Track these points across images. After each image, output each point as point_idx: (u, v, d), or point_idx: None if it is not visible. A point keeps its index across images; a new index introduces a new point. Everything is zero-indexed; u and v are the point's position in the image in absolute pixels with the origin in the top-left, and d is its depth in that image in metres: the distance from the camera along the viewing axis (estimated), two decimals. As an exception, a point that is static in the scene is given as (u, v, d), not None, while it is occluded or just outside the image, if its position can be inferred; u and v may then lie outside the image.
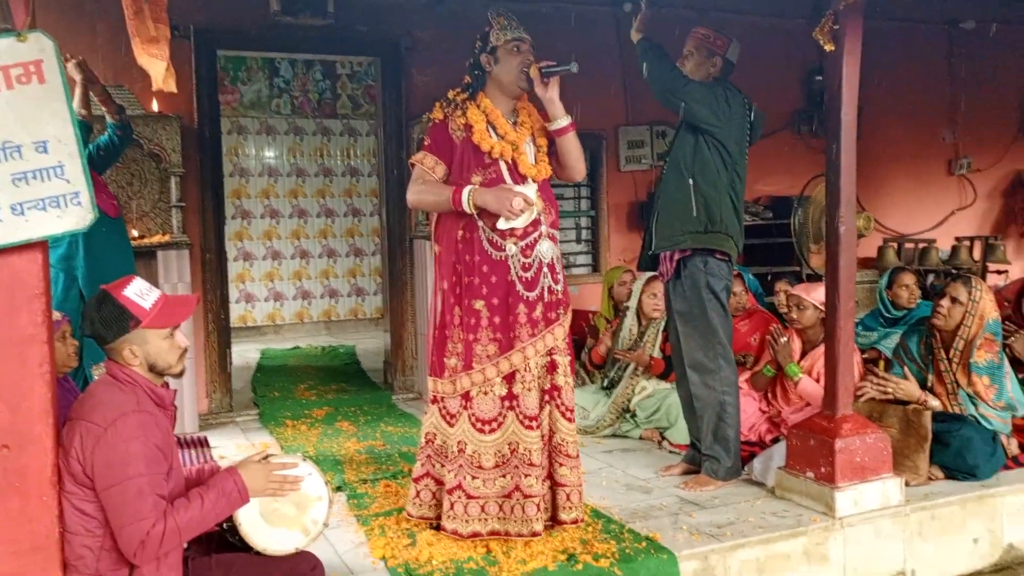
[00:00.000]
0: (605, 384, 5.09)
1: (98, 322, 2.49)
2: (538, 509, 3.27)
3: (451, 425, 3.33)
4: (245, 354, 8.20)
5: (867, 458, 3.56)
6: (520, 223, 3.24)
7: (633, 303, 5.15)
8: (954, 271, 7.25)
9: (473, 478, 3.25)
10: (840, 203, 3.60)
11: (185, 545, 2.55)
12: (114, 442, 2.35)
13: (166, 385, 2.61)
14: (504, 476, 3.27)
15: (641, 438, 4.79)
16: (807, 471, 3.63)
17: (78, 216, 2.39)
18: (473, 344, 3.26)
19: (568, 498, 3.35)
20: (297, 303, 10.07)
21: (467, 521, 3.25)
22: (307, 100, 9.96)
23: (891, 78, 7.31)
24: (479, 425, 3.27)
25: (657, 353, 4.96)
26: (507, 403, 3.27)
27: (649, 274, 5.09)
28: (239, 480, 2.51)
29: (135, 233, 5.17)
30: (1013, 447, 4.11)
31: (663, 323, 5.00)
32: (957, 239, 7.73)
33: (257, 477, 2.55)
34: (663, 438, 4.70)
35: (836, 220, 3.61)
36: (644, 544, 3.25)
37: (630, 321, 5.14)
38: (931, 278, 7.25)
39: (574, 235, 6.95)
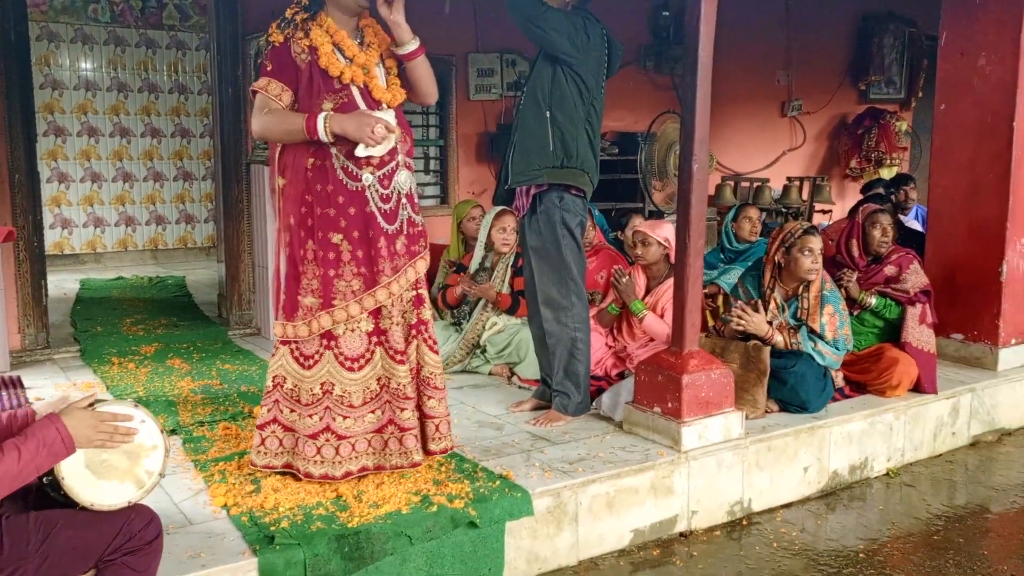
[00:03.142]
0: (454, 320, 5.01)
1: None
2: (416, 440, 3.20)
3: (307, 367, 3.13)
4: (62, 284, 7.58)
5: (712, 393, 3.66)
6: (379, 151, 3.05)
7: (482, 237, 5.06)
8: (784, 210, 7.62)
9: (344, 418, 3.11)
10: (694, 142, 3.60)
11: (-3, 504, 2.28)
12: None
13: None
14: (373, 412, 3.16)
15: (491, 374, 4.76)
16: (655, 406, 3.70)
17: None
18: (334, 280, 3.07)
19: (437, 429, 3.31)
20: (120, 230, 9.39)
21: (338, 463, 3.11)
22: (129, 8, 9.15)
23: (731, 19, 7.44)
24: (347, 364, 3.11)
25: (506, 288, 4.91)
26: (375, 339, 3.14)
27: (499, 208, 5.01)
28: (62, 428, 2.23)
29: (-73, 148, 4.58)
30: (839, 380, 4.35)
31: (512, 258, 4.95)
32: (788, 179, 8.09)
33: (83, 425, 2.28)
34: (513, 374, 4.69)
35: (690, 159, 3.62)
36: (498, 483, 3.21)
37: (479, 254, 5.06)
38: (764, 216, 7.57)
39: (422, 165, 6.76)
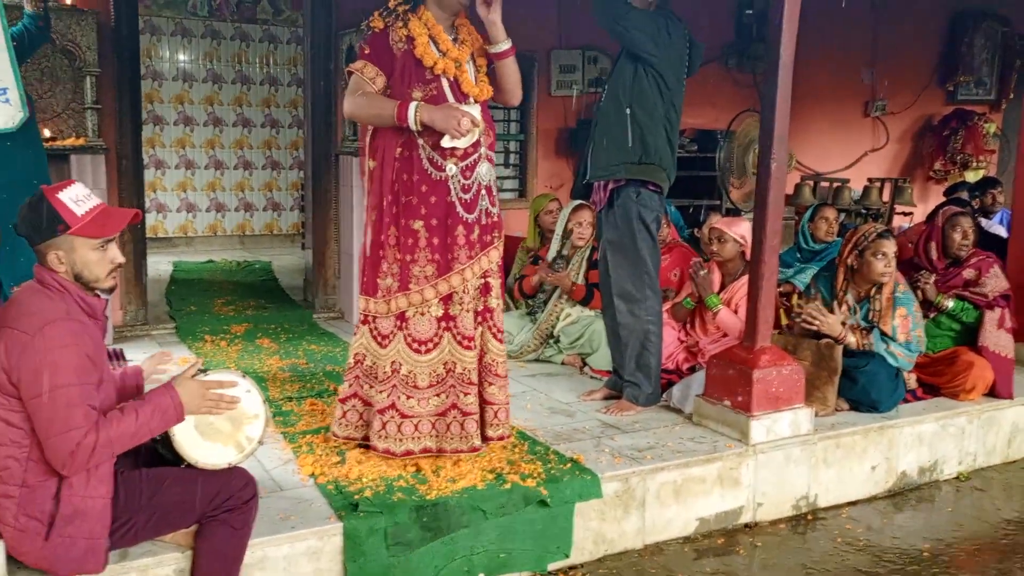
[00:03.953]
0: (530, 310, 5.15)
1: (27, 221, 2.39)
2: (477, 425, 3.35)
3: (383, 346, 3.31)
4: (156, 266, 7.97)
5: (782, 389, 3.73)
6: (464, 143, 3.20)
7: (559, 230, 5.18)
8: (864, 211, 7.55)
9: (408, 397, 3.28)
10: (773, 140, 3.66)
11: (115, 459, 2.51)
12: (43, 350, 2.28)
13: (97, 295, 2.52)
14: (438, 395, 3.31)
15: (563, 363, 4.89)
16: (724, 399, 3.78)
17: (7, 114, 2.27)
18: (410, 265, 3.24)
19: (496, 415, 3.44)
20: (211, 215, 9.81)
21: (400, 440, 3.28)
22: (225, 2, 9.53)
23: (816, 16, 7.39)
24: (415, 345, 3.27)
25: (581, 280, 5.03)
26: (443, 324, 3.29)
27: (576, 202, 5.14)
28: (175, 396, 2.45)
29: (47, 133, 4.92)
30: (912, 382, 4.35)
31: (588, 251, 5.07)
32: (869, 180, 8.00)
33: (193, 394, 2.50)
34: (585, 364, 4.81)
35: (768, 157, 3.68)
36: (569, 465, 3.35)
37: (556, 246, 5.18)
38: (843, 216, 7.51)
39: (502, 159, 6.92)
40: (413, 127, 3.15)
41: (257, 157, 9.98)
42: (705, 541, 3.51)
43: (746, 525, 3.65)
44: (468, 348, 3.30)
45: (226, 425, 2.64)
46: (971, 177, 8.16)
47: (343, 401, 3.44)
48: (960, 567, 3.39)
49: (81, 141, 4.98)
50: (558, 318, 4.95)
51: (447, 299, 3.28)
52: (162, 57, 9.27)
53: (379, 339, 3.33)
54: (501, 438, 3.45)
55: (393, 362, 3.29)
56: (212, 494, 2.55)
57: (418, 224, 3.23)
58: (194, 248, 9.55)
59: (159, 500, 2.53)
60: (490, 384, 3.41)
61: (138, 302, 5.53)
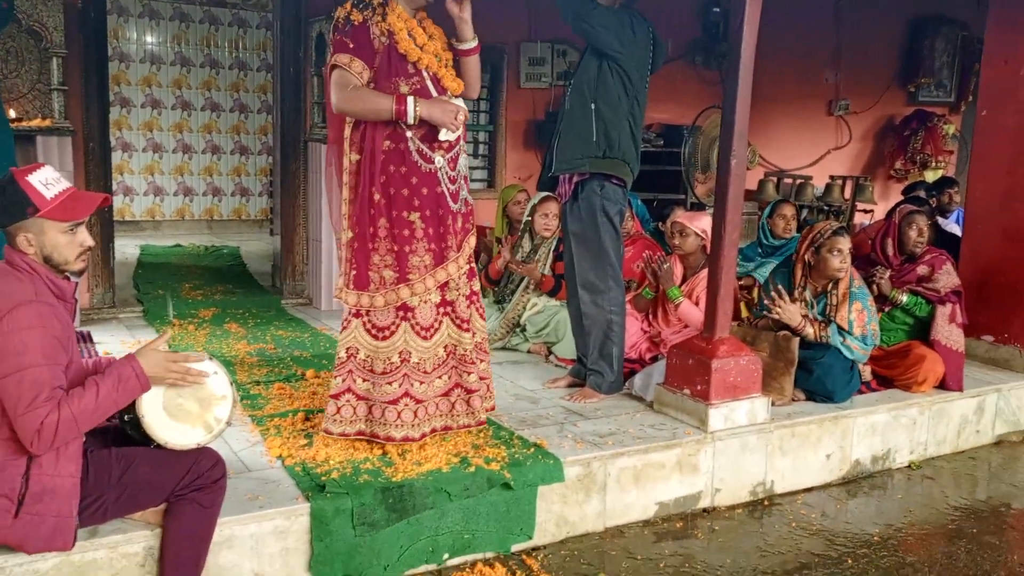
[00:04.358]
0: (497, 299, 5.22)
1: None
2: (481, 400, 3.49)
3: (381, 339, 3.30)
4: (123, 249, 7.93)
5: (739, 378, 3.83)
6: (455, 136, 3.27)
7: (526, 221, 5.25)
8: (826, 208, 7.71)
9: (420, 383, 3.33)
10: (733, 137, 3.76)
11: (83, 438, 2.54)
12: (10, 331, 2.30)
13: (67, 277, 2.54)
14: (440, 377, 3.40)
15: (529, 352, 4.97)
16: (684, 388, 3.88)
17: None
18: (410, 256, 3.28)
19: (488, 388, 3.60)
20: (178, 199, 9.75)
21: (416, 425, 3.33)
22: (194, -16, 9.46)
23: (781, 16, 7.52)
24: (422, 333, 3.33)
25: (548, 271, 5.11)
26: (442, 309, 3.37)
27: (543, 194, 5.21)
28: (137, 366, 2.46)
29: (12, 114, 4.89)
30: (867, 374, 4.49)
31: (554, 242, 5.15)
32: (831, 177, 8.16)
33: (157, 364, 2.51)
34: (550, 352, 4.90)
35: (729, 153, 3.78)
36: (532, 450, 3.43)
37: (523, 239, 5.26)
38: (805, 213, 7.67)
39: (471, 149, 6.97)
40: (412, 121, 3.18)
41: (226, 142, 9.94)
42: (664, 525, 3.61)
43: (704, 510, 3.75)
44: (466, 330, 3.42)
45: (194, 406, 2.67)
46: (930, 177, 8.36)
47: (336, 397, 3.36)
48: (908, 550, 3.52)
49: (47, 122, 4.95)
50: (525, 307, 5.03)
51: (443, 286, 3.37)
52: (129, 39, 9.19)
53: (375, 332, 3.31)
54: (491, 409, 3.63)
55: (401, 352, 3.30)
56: (181, 473, 2.59)
57: (414, 216, 3.27)
58: (161, 232, 9.50)
59: (129, 479, 2.56)
60: (481, 361, 3.54)
61: (105, 285, 5.52)
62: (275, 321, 5.52)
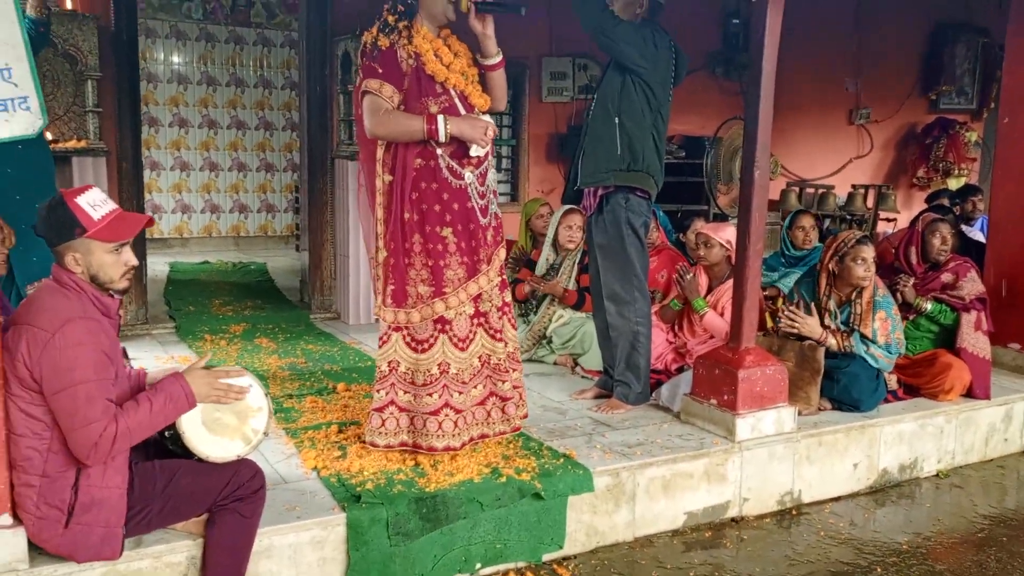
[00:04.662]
0: (523, 311, 5.28)
1: (46, 224, 2.50)
2: (516, 407, 3.57)
3: (421, 351, 3.38)
4: (153, 266, 8.01)
5: (766, 388, 3.87)
6: (484, 152, 3.35)
7: (550, 235, 5.32)
8: (848, 217, 7.72)
9: (459, 393, 3.41)
10: (756, 148, 3.80)
11: (128, 451, 2.62)
12: (62, 347, 2.39)
13: (111, 295, 2.63)
14: (476, 387, 3.48)
15: (556, 363, 5.02)
16: (711, 398, 3.92)
17: (27, 121, 2.38)
18: (444, 270, 3.35)
19: (521, 396, 3.66)
20: (205, 216, 9.90)
21: (457, 435, 3.41)
22: (219, 5, 9.63)
23: (801, 25, 7.56)
24: (460, 344, 3.40)
25: (572, 284, 5.16)
26: (475, 320, 3.45)
27: (566, 207, 5.27)
28: (186, 385, 2.58)
29: (48, 136, 5.01)
30: (893, 383, 4.50)
31: (579, 254, 5.20)
32: (853, 186, 8.17)
33: (202, 383, 2.62)
34: (576, 364, 4.95)
35: (752, 164, 3.82)
36: (561, 460, 3.48)
37: (547, 252, 5.32)
38: (827, 222, 7.68)
39: (494, 163, 7.03)
40: (444, 139, 3.27)
41: (251, 159, 10.08)
42: (693, 534, 3.64)
43: (732, 519, 3.78)
44: (499, 340, 3.51)
45: (232, 419, 2.75)
46: (953, 184, 8.34)
47: (380, 410, 3.43)
48: (938, 559, 3.53)
49: (83, 143, 5.08)
50: (551, 319, 5.09)
51: (477, 298, 3.44)
52: (157, 60, 9.36)
53: (414, 345, 3.39)
54: (525, 416, 3.70)
55: (440, 363, 3.38)
56: (222, 484, 2.67)
57: (447, 231, 3.35)
58: (189, 249, 9.64)
59: (172, 490, 2.64)
60: (514, 370, 3.61)
61: (138, 302, 5.63)
62: (304, 335, 5.60)
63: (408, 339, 3.39)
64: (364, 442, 3.48)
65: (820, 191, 7.97)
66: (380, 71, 3.32)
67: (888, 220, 8.23)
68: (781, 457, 3.89)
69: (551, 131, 6.97)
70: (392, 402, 3.42)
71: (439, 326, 3.38)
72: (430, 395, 3.37)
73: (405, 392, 3.41)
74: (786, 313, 4.25)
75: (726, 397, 3.85)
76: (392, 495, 3.09)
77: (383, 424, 3.43)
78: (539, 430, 3.86)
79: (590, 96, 6.87)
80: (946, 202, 6.65)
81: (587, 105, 4.15)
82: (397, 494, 3.09)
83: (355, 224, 5.94)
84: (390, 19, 3.42)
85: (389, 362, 3.43)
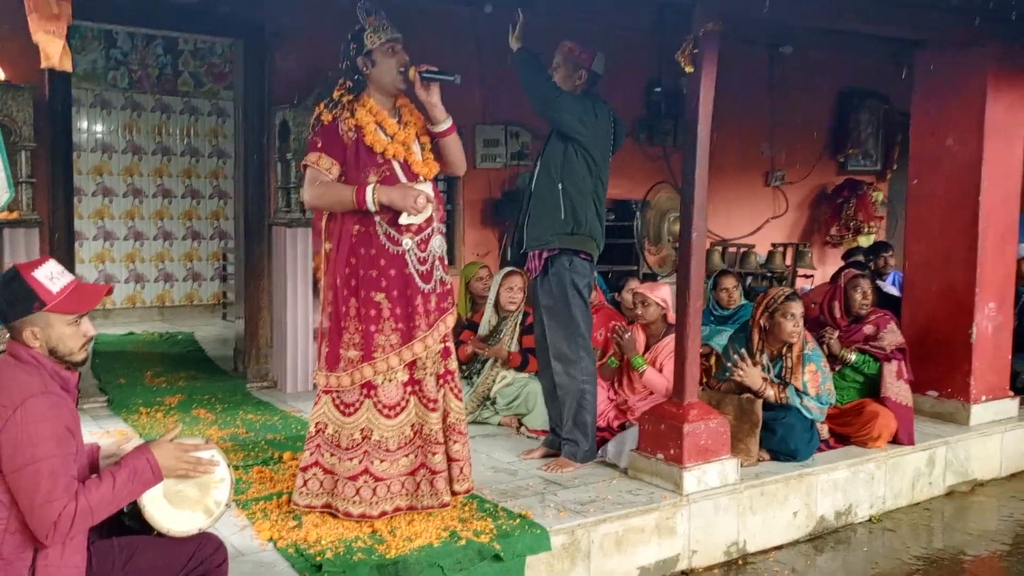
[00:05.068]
0: (466, 373, 5.33)
1: (2, 299, 2.47)
2: (446, 482, 3.52)
3: (347, 415, 3.44)
4: (77, 338, 7.83)
5: (710, 441, 4.00)
6: (419, 219, 3.42)
7: (492, 296, 5.41)
8: (769, 274, 8.04)
9: (381, 461, 3.41)
10: (694, 211, 4.01)
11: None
12: (23, 423, 2.35)
13: (69, 368, 2.61)
14: (407, 456, 3.47)
15: (500, 424, 5.08)
16: (658, 453, 4.03)
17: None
18: (375, 335, 3.40)
19: (461, 471, 3.63)
20: (129, 287, 9.69)
21: (375, 503, 3.41)
22: (146, 75, 9.58)
23: (719, 94, 7.95)
24: (385, 411, 3.42)
25: (514, 346, 5.25)
26: (409, 388, 3.46)
27: (507, 269, 5.39)
28: (152, 459, 2.53)
29: (-20, 209, 4.91)
30: (824, 432, 4.70)
31: (520, 316, 5.30)
32: (773, 245, 8.52)
33: (170, 457, 2.58)
34: (521, 424, 5.01)
35: (690, 226, 4.02)
36: (518, 521, 3.52)
37: (489, 313, 5.41)
38: (749, 280, 7.99)
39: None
40: (372, 208, 3.36)
41: (177, 227, 9.95)
42: (646, 589, 3.71)
43: (683, 572, 3.87)
44: (433, 410, 3.48)
45: (194, 492, 2.72)
46: (863, 241, 8.78)
47: (304, 470, 3.52)
48: (878, 601, 3.68)
49: (15, 215, 4.98)
50: (494, 381, 5.15)
51: (411, 364, 3.46)
52: (81, 128, 9.22)
53: (342, 408, 3.45)
54: (467, 491, 3.66)
55: (363, 429, 3.42)
56: (185, 559, 2.63)
57: (380, 296, 3.41)
58: (112, 320, 9.39)
59: (132, 568, 2.58)
60: (454, 442, 3.60)
61: (69, 376, 5.47)
62: (243, 405, 5.53)
63: (337, 401, 3.46)
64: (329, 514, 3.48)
65: (742, 250, 8.29)
66: (319, 144, 3.47)
67: (806, 276, 8.59)
68: (726, 508, 4.01)
69: (485, 196, 7.12)
70: (317, 463, 3.50)
71: (365, 391, 3.43)
72: (351, 459, 3.42)
73: (331, 454, 3.46)
74: (737, 364, 4.39)
75: (672, 451, 3.97)
76: (353, 563, 3.08)
77: (305, 484, 3.51)
78: (492, 491, 3.90)
79: (522, 163, 7.12)
80: (861, 258, 7.01)
81: (521, 171, 4.30)
82: (358, 562, 3.09)
83: (293, 291, 5.94)
84: (336, 94, 3.56)
85: (317, 423, 3.51)
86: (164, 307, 9.89)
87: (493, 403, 5.13)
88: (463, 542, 3.29)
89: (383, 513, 3.42)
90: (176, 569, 2.61)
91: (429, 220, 3.50)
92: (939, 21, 4.84)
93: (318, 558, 3.10)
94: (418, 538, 3.30)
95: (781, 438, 4.37)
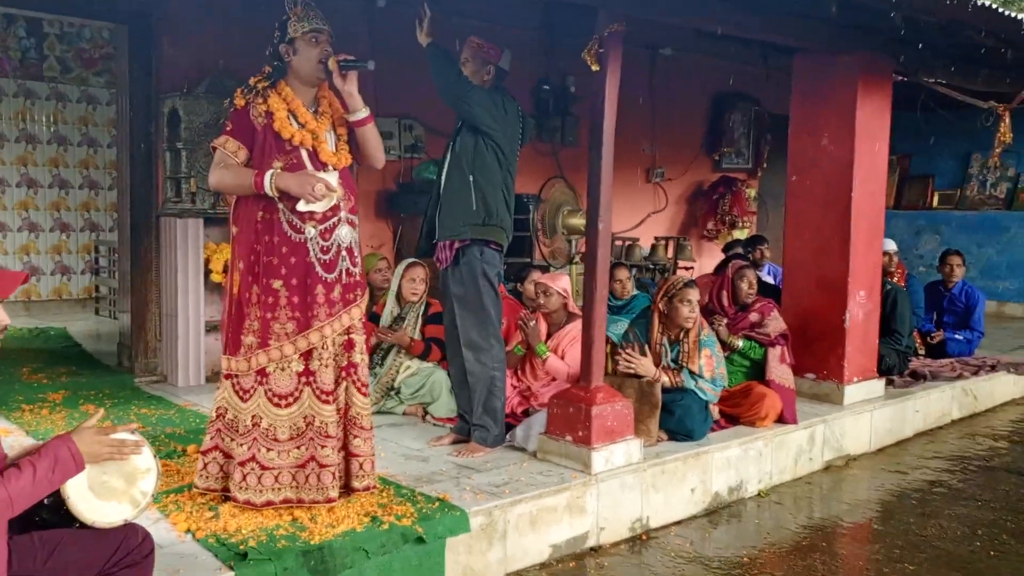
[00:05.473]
0: (370, 364, 5.33)
1: None
2: (333, 477, 3.46)
3: (244, 400, 3.43)
4: (-62, 336, 7.34)
5: (615, 423, 4.17)
6: (320, 207, 3.42)
7: (394, 287, 5.43)
8: (652, 266, 8.36)
9: (268, 450, 3.40)
10: (600, 205, 4.17)
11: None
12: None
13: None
14: (298, 448, 3.44)
15: (405, 414, 5.11)
16: (566, 435, 4.17)
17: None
18: (271, 322, 3.40)
19: (361, 467, 3.60)
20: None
21: (260, 491, 3.39)
22: (7, 58, 9.05)
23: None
24: (275, 400, 3.41)
25: (417, 335, 5.29)
26: (304, 379, 3.44)
27: (409, 260, 5.43)
28: (73, 446, 2.46)
29: None
30: (715, 413, 4.97)
31: (421, 307, 5.35)
32: (656, 238, 8.87)
33: (92, 442, 2.51)
34: (427, 413, 5.06)
35: (596, 219, 4.18)
36: (437, 504, 3.59)
37: (391, 304, 5.43)
38: (635, 272, 8.26)
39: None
40: (270, 193, 3.36)
41: (44, 219, 9.45)
42: (559, 566, 3.85)
43: (592, 548, 4.03)
44: (327, 402, 3.46)
45: (120, 482, 2.66)
46: (738, 235, 9.24)
47: (204, 453, 3.53)
48: (775, 567, 3.95)
49: None
50: (398, 371, 5.18)
51: (307, 355, 3.44)
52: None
53: (240, 393, 3.45)
54: (367, 488, 3.60)
55: (254, 416, 3.41)
56: (111, 551, 2.56)
57: (278, 283, 3.40)
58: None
59: (55, 562, 2.50)
60: (355, 436, 3.57)
61: (-59, 373, 5.16)
62: (134, 400, 5.35)
63: (236, 387, 3.47)
64: (227, 499, 3.46)
65: (627, 243, 8.58)
66: (229, 128, 3.50)
67: (687, 268, 8.97)
68: (631, 487, 4.19)
69: (379, 188, 7.10)
70: (217, 446, 3.52)
71: (259, 378, 3.44)
72: (241, 445, 3.43)
73: (231, 439, 3.47)
74: (624, 356, 4.60)
75: (580, 433, 4.12)
76: (278, 550, 3.08)
77: (205, 468, 3.52)
78: (406, 478, 3.95)
79: (416, 155, 7.15)
80: (741, 251, 7.40)
81: (436, 163, 4.36)
82: (283, 549, 3.09)
83: (184, 283, 5.78)
84: (252, 80, 3.54)
85: (218, 408, 3.52)
86: (30, 301, 9.37)
87: (398, 393, 5.16)
88: (386, 526, 3.33)
89: (268, 503, 3.39)
90: (102, 561, 2.55)
91: (335, 209, 3.49)
92: (814, 30, 5.18)
93: (241, 547, 3.08)
94: (340, 524, 3.31)
95: (679, 419, 4.60)
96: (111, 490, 2.64)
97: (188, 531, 3.24)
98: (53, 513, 2.57)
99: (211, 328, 5.95)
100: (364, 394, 3.62)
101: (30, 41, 9.16)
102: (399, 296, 5.40)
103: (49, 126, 9.40)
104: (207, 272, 5.85)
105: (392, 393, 5.17)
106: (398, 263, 5.81)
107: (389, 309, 5.41)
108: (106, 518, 2.60)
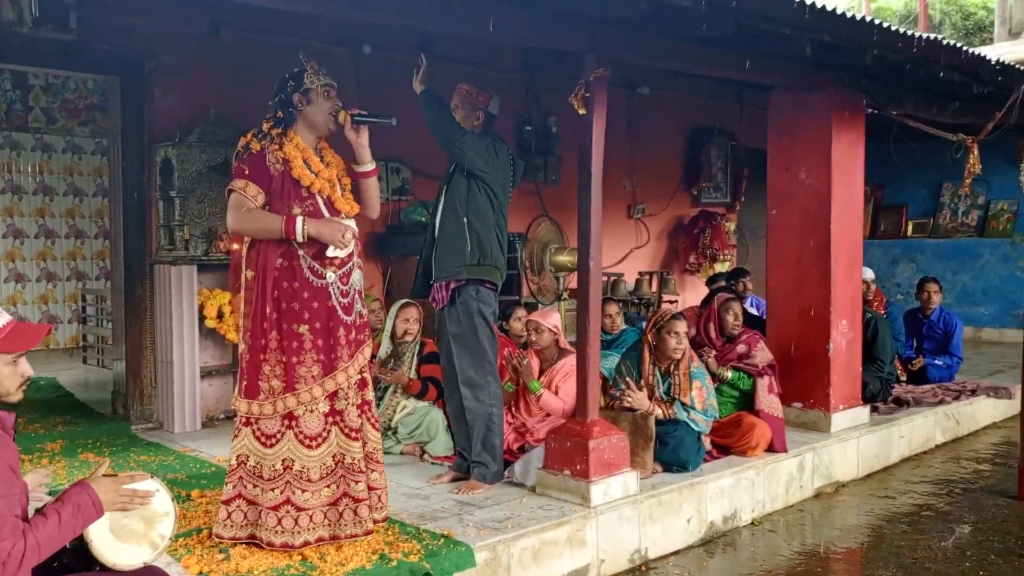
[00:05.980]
0: (366, 404, 5.40)
1: None
2: (370, 510, 3.59)
3: (268, 446, 3.49)
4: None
5: (612, 455, 4.27)
6: (343, 253, 3.54)
7: (388, 327, 5.53)
8: (638, 301, 8.50)
9: (302, 491, 3.47)
10: (590, 243, 4.30)
11: (29, 569, 2.53)
12: (-33, 466, 2.33)
13: (5, 408, 2.58)
14: (328, 487, 3.52)
15: (402, 453, 5.18)
16: (565, 469, 4.26)
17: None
18: (297, 366, 3.48)
19: (379, 499, 3.73)
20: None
21: (297, 533, 3.45)
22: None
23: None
24: (306, 442, 3.49)
25: (413, 374, 5.38)
26: (331, 419, 3.54)
27: (402, 301, 5.54)
28: (93, 494, 2.55)
29: None
30: (707, 444, 5.07)
31: (417, 346, 5.45)
32: (640, 273, 9.01)
33: (108, 491, 2.60)
34: (424, 452, 5.13)
35: (587, 257, 4.31)
36: (442, 541, 3.66)
37: (385, 344, 5.52)
38: (620, 306, 8.40)
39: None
40: (300, 239, 3.45)
41: (30, 269, 9.49)
42: (562, 598, 3.92)
43: (593, 581, 4.10)
44: (355, 440, 3.57)
45: (139, 525, 2.74)
46: (720, 268, 9.42)
47: (227, 503, 3.55)
48: (771, 593, 4.04)
49: None
50: (395, 411, 5.26)
51: (332, 395, 3.55)
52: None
53: (263, 439, 3.51)
54: (384, 519, 3.74)
55: (284, 459, 3.48)
56: (131, 594, 2.63)
57: (303, 328, 3.50)
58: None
59: (78, 604, 2.57)
60: (372, 471, 3.69)
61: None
62: (132, 448, 5.38)
63: (257, 433, 3.52)
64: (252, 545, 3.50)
65: (613, 279, 8.72)
66: (247, 171, 3.56)
67: (671, 302, 9.11)
68: (629, 518, 4.28)
69: (369, 231, 7.18)
70: (240, 495, 3.55)
71: (287, 422, 3.50)
72: (272, 490, 3.48)
73: (254, 486, 3.52)
74: (622, 391, 4.70)
75: (579, 467, 4.21)
76: (290, 590, 3.14)
77: (229, 516, 3.55)
78: (409, 516, 4.02)
79: (403, 198, 7.28)
80: (724, 283, 7.55)
81: (434, 207, 4.49)
82: (295, 588, 3.15)
83: (179, 330, 5.85)
84: (265, 126, 3.65)
85: (239, 456, 3.56)
86: (16, 353, 9.37)
87: (395, 432, 5.23)
88: (394, 563, 3.40)
89: (305, 543, 3.47)
90: (123, 604, 2.61)
91: (351, 255, 3.63)
92: (789, 68, 5.39)
93: (254, 588, 3.14)
94: (349, 562, 3.38)
95: (672, 450, 4.70)
96: (131, 533, 2.72)
97: (201, 573, 3.29)
98: (73, 557, 2.64)
99: (206, 374, 6.01)
100: (377, 429, 3.77)
101: (15, 93, 9.27)
102: (393, 336, 5.49)
103: (35, 176, 9.48)
104: (201, 318, 5.91)
105: (389, 433, 5.24)
106: (389, 304, 5.91)
107: (384, 348, 5.49)
108: (126, 560, 2.67)
